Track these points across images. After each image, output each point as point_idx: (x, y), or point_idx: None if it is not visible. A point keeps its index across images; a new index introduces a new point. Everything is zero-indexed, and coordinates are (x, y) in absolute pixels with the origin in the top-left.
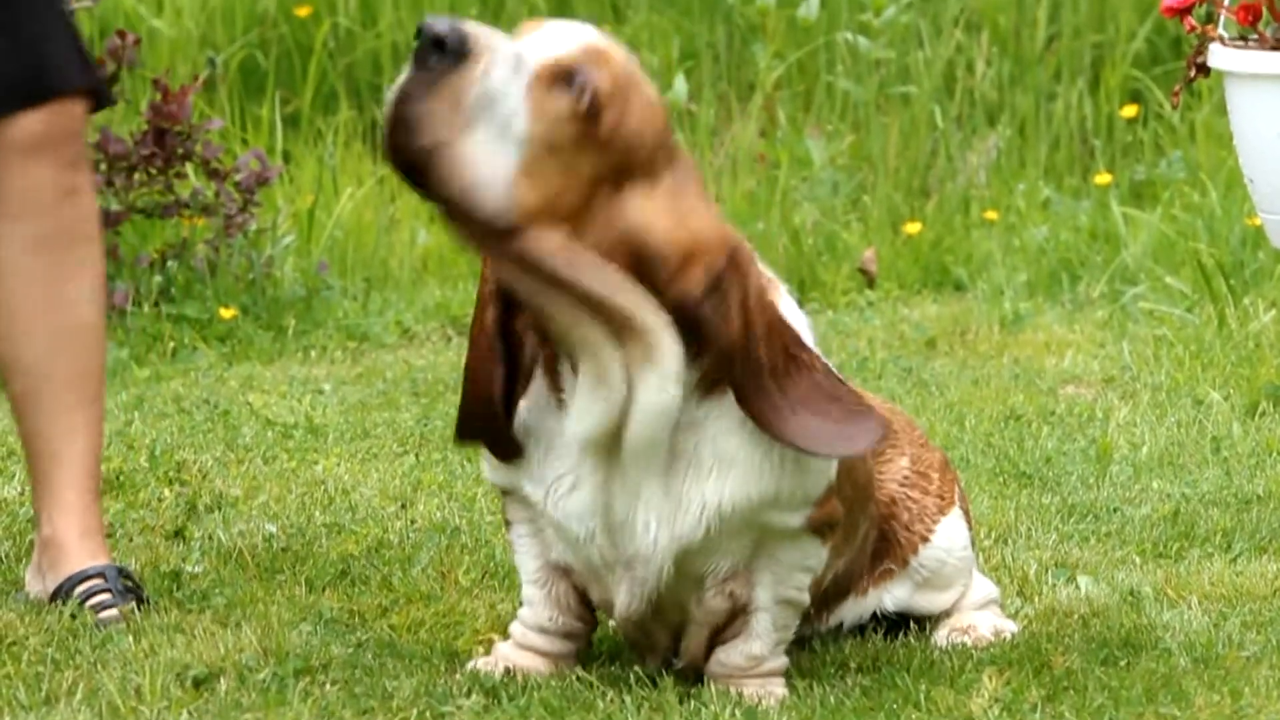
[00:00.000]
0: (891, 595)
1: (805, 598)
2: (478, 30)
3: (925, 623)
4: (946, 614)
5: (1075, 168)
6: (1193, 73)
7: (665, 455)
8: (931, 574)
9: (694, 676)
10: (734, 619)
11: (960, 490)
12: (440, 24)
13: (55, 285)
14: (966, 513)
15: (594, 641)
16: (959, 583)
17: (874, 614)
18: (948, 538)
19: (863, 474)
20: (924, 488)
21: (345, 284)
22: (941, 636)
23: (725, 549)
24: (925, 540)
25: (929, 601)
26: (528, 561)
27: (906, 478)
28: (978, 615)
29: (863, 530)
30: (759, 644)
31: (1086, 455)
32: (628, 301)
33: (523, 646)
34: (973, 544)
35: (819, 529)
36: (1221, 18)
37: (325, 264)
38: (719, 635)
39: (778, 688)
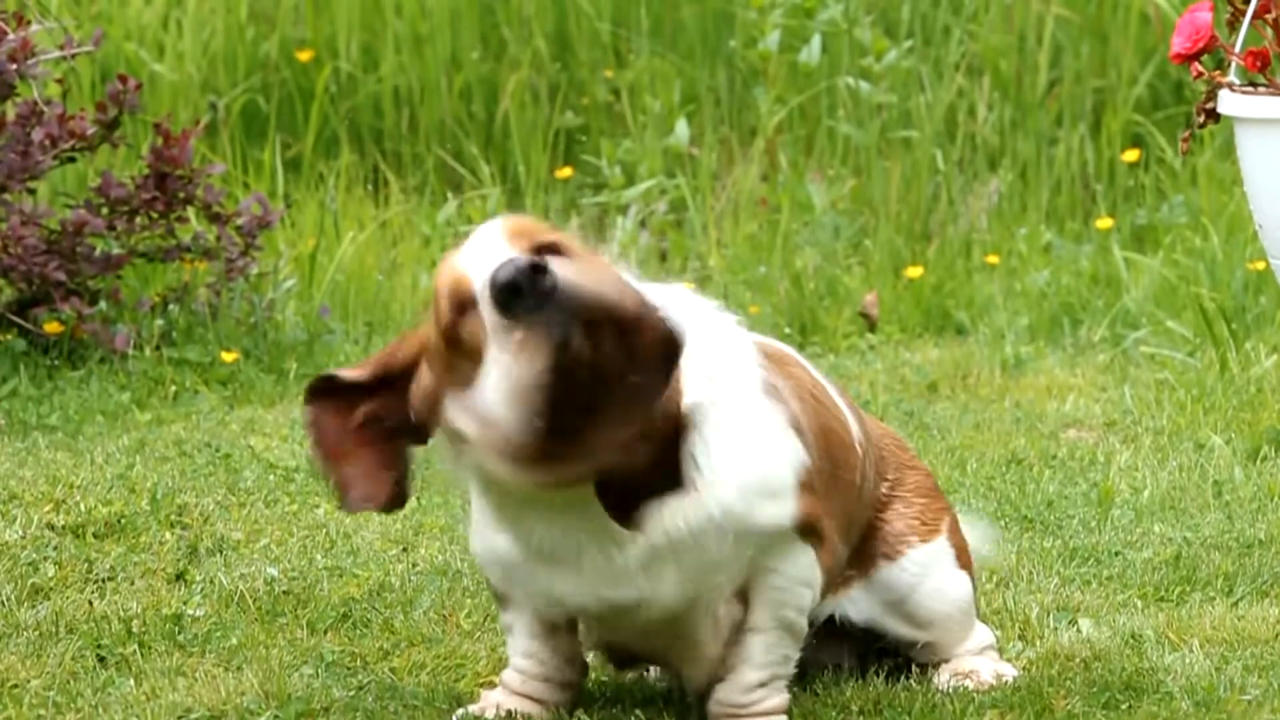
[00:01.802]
0: (855, 605)
1: (803, 622)
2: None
3: (926, 666)
4: (945, 659)
5: (1077, 212)
6: (1202, 119)
7: None
8: (901, 598)
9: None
10: (732, 648)
11: (952, 524)
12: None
13: None
14: (962, 554)
15: (594, 685)
16: (946, 622)
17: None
18: (922, 564)
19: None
20: (899, 509)
21: (347, 327)
22: (943, 680)
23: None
24: (888, 559)
25: (907, 631)
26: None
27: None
28: (978, 660)
29: (856, 529)
30: (755, 673)
31: (1088, 499)
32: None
33: (514, 693)
34: (974, 587)
35: (806, 530)
36: (1233, 64)
37: (327, 308)
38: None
39: None
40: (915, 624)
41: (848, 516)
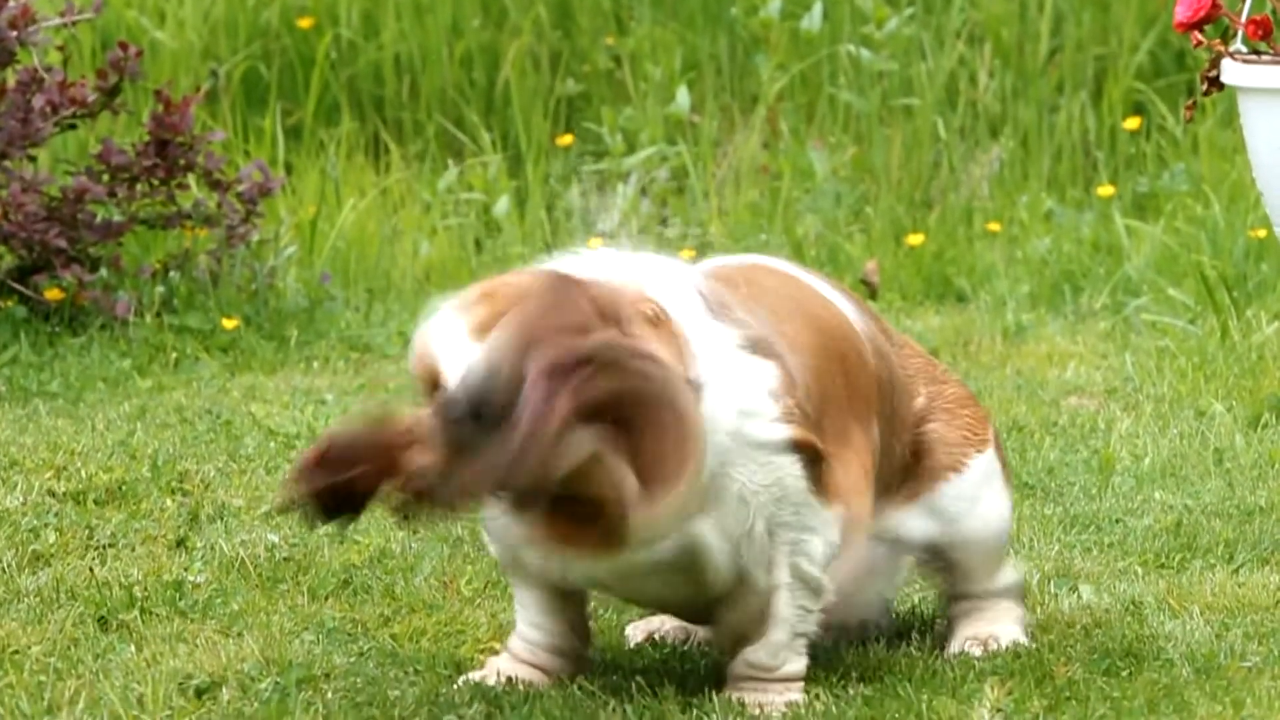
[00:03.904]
0: (915, 523)
1: (821, 576)
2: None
3: (925, 633)
4: (970, 611)
5: (1078, 180)
6: (1205, 87)
7: None
8: (961, 513)
9: (695, 685)
10: (759, 621)
11: (995, 434)
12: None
13: None
14: (1006, 468)
15: (595, 650)
16: (987, 544)
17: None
18: (982, 474)
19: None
20: (947, 420)
21: (348, 295)
22: (957, 644)
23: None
24: (956, 471)
25: (955, 553)
26: (519, 578)
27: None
28: (1004, 627)
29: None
30: (782, 630)
31: (1089, 466)
32: None
33: (518, 660)
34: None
35: (801, 448)
36: (1240, 33)
37: (328, 275)
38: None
39: (794, 694)
40: (963, 547)
41: (872, 409)
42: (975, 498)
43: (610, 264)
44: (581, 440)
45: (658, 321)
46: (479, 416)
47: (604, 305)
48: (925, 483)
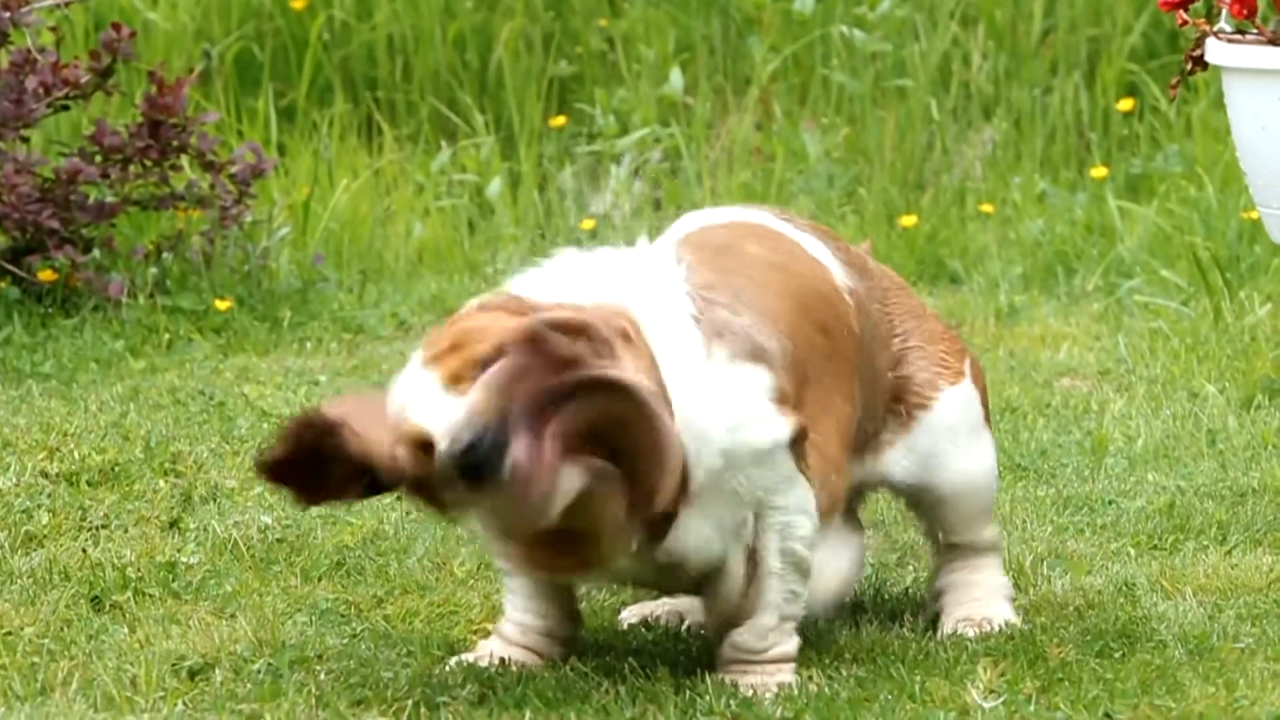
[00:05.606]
0: (898, 465)
1: (808, 555)
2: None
3: (918, 614)
4: (959, 585)
5: (1071, 161)
6: (1190, 67)
7: None
8: (938, 448)
9: (688, 666)
10: (746, 603)
11: (974, 366)
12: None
13: None
14: (985, 407)
15: (587, 632)
16: (972, 488)
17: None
18: (956, 406)
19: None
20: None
21: (341, 276)
22: (949, 625)
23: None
24: (924, 408)
25: (941, 489)
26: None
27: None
28: (994, 610)
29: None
30: (770, 614)
31: (1082, 447)
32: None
33: (509, 642)
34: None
35: (798, 440)
36: (1224, 13)
37: (321, 256)
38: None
39: (785, 675)
40: (947, 484)
41: (853, 369)
42: (954, 429)
43: (581, 274)
44: (572, 477)
45: (632, 338)
46: (475, 478)
47: (575, 331)
48: (905, 421)
